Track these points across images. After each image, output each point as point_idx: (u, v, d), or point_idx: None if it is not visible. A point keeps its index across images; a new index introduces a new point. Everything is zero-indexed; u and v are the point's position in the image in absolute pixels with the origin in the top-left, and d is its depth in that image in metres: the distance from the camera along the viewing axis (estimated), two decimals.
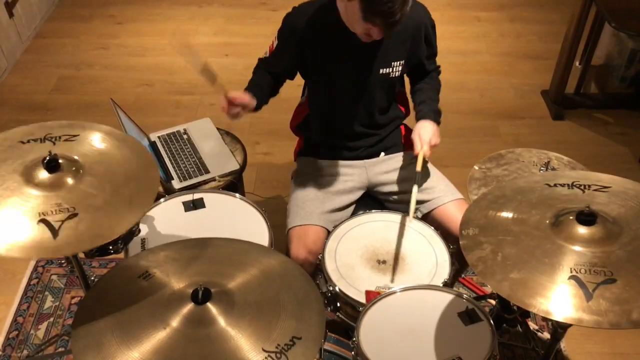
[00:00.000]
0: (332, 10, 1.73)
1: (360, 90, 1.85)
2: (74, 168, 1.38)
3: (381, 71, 1.82)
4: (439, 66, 2.00)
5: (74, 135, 1.48)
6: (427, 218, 1.86)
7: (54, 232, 1.25)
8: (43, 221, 1.26)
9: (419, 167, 1.78)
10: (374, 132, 1.95)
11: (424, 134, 1.81)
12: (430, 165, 1.99)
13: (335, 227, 1.80)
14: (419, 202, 1.88)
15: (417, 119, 1.89)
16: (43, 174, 1.34)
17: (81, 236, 1.25)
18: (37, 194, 1.32)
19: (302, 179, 1.96)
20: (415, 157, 1.81)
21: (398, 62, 1.82)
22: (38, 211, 1.28)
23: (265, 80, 1.92)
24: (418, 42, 1.83)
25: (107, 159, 1.44)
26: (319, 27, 1.77)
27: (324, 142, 1.98)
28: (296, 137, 2.13)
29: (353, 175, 1.95)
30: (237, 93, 1.75)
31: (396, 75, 1.84)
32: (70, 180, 1.35)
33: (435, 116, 1.88)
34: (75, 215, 1.28)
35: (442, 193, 1.88)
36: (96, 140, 1.48)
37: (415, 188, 1.76)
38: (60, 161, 1.36)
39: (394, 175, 1.95)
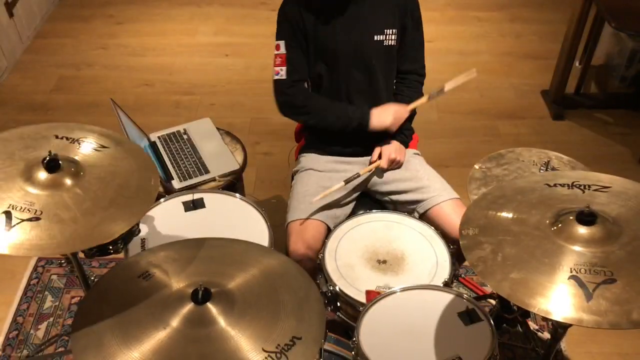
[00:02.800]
0: None
1: (357, 55, 1.86)
2: (72, 173, 1.37)
3: (375, 37, 1.85)
4: (424, 70, 2.01)
5: (104, 147, 1.47)
6: (423, 218, 1.87)
7: (8, 226, 1.24)
8: (6, 213, 1.26)
9: (362, 171, 1.88)
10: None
11: (387, 148, 1.91)
12: (425, 165, 2.01)
13: (336, 226, 1.80)
14: (414, 202, 1.90)
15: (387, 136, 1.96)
16: (40, 170, 1.35)
17: (25, 241, 1.24)
18: (19, 186, 1.32)
19: (303, 174, 1.97)
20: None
21: (390, 30, 1.86)
22: (10, 202, 1.28)
23: (324, 99, 1.91)
24: (404, 14, 1.87)
25: (111, 178, 1.40)
26: (309, 5, 1.81)
27: (326, 135, 1.98)
28: (297, 141, 2.14)
29: (353, 172, 1.95)
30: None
31: (390, 43, 1.87)
32: (61, 184, 1.34)
33: (403, 137, 1.96)
34: (37, 219, 1.27)
35: (437, 192, 1.89)
36: (116, 156, 1.46)
37: (341, 183, 1.85)
38: (60, 163, 1.36)
39: (393, 175, 1.95)
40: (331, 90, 1.92)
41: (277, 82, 1.87)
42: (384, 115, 1.88)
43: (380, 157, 1.92)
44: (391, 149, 1.91)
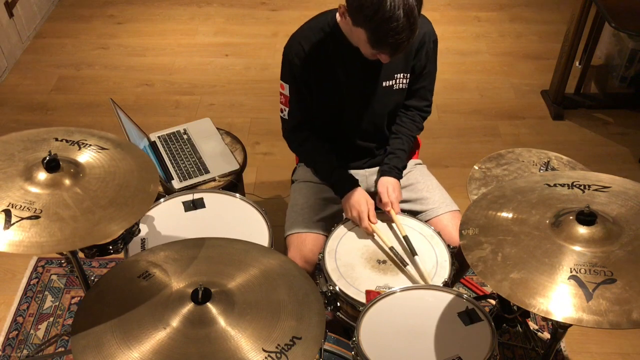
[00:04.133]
0: (330, 27, 1.72)
1: (364, 103, 1.83)
2: (71, 173, 1.37)
3: (384, 84, 1.81)
4: (429, 108, 1.97)
5: (103, 148, 1.47)
6: None
7: (7, 225, 1.25)
8: (6, 212, 1.27)
9: (404, 231, 1.75)
10: (378, 146, 1.94)
11: (391, 191, 1.82)
12: (427, 175, 1.99)
13: (336, 226, 1.80)
14: (414, 213, 1.89)
15: (382, 172, 1.88)
16: (40, 170, 1.35)
17: (25, 238, 1.24)
18: (19, 185, 1.33)
19: (301, 186, 1.96)
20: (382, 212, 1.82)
21: (402, 75, 1.81)
22: (10, 201, 1.29)
23: (324, 149, 1.88)
24: (418, 54, 1.81)
25: (111, 178, 1.40)
26: (320, 48, 1.74)
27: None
28: None
29: None
30: (370, 213, 1.76)
31: (400, 87, 1.83)
32: (61, 184, 1.35)
33: (398, 173, 1.89)
34: (36, 217, 1.27)
35: (437, 204, 1.88)
36: (116, 157, 1.46)
37: (417, 258, 1.67)
38: (60, 164, 1.36)
39: None
40: (333, 126, 1.89)
41: (282, 120, 1.90)
42: (354, 204, 1.78)
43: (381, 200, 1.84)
44: (396, 192, 1.83)
